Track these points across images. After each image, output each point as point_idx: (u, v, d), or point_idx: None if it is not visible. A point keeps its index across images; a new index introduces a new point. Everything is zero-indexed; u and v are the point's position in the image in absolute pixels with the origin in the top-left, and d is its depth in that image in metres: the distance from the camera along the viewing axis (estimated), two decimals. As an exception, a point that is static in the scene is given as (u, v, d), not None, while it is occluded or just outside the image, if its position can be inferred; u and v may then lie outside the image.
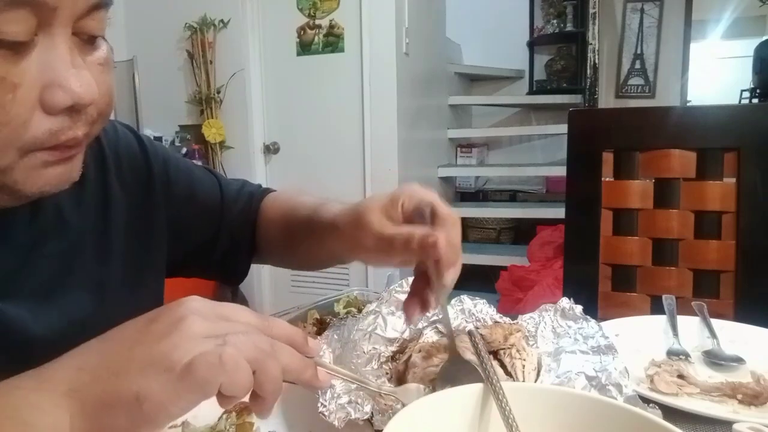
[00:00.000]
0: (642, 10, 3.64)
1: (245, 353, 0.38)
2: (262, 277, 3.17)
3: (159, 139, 3.15)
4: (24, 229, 0.54)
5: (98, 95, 0.44)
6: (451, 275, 0.53)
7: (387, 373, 0.61)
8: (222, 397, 0.38)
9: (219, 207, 0.76)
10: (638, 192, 1.16)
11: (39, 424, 0.36)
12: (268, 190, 0.82)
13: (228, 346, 0.37)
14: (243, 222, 0.77)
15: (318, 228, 0.67)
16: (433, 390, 0.51)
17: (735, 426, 0.46)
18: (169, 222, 0.70)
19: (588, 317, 0.62)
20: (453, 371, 0.52)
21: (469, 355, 0.53)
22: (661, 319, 0.82)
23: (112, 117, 0.53)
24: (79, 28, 0.43)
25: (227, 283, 0.82)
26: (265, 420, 0.57)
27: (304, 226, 0.70)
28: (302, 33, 2.98)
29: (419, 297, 0.56)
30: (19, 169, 0.43)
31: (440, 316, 0.59)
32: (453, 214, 0.54)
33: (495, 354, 0.57)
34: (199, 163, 3.13)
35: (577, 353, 0.57)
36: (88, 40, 0.44)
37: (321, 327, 0.76)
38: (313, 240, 0.68)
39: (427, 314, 0.64)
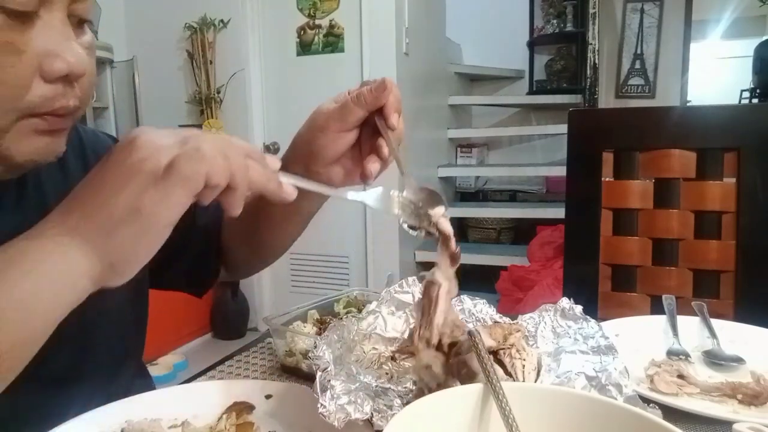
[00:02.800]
0: (642, 10, 3.64)
1: (213, 147, 0.41)
2: (262, 277, 3.17)
3: (159, 139, 3.15)
4: (10, 213, 0.57)
5: (86, 72, 0.49)
6: (396, 119, 0.58)
7: (387, 373, 0.61)
8: (206, 190, 0.41)
9: (191, 209, 0.77)
10: (638, 192, 1.16)
11: (53, 259, 0.40)
12: None
13: (197, 142, 0.41)
14: (213, 225, 0.78)
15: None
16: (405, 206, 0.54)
17: (735, 426, 0.46)
18: None
19: (588, 317, 0.62)
20: (412, 207, 0.55)
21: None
22: (661, 319, 0.82)
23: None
24: (72, 10, 0.48)
25: (193, 294, 0.81)
26: (265, 420, 0.57)
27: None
28: (302, 33, 2.98)
29: (373, 153, 0.60)
30: (12, 132, 0.47)
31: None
32: (392, 79, 0.60)
33: (495, 354, 0.57)
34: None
35: (577, 353, 0.57)
36: (77, 24, 0.50)
37: (321, 327, 0.76)
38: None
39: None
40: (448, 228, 0.53)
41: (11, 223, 0.56)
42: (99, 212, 0.40)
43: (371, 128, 0.60)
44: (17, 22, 0.44)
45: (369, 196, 0.53)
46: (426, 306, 0.52)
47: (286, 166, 0.67)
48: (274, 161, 0.47)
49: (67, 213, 0.42)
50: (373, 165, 0.59)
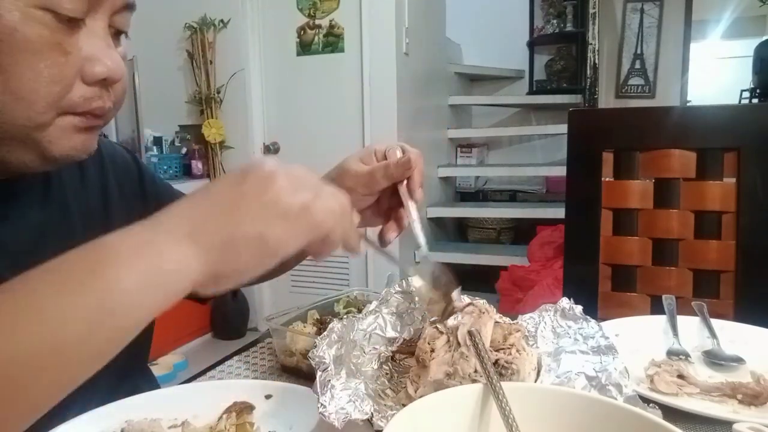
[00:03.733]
0: (642, 10, 3.64)
1: (341, 205, 0.47)
2: (262, 277, 3.17)
3: (159, 139, 3.15)
4: (37, 208, 0.61)
5: (121, 79, 0.53)
6: (420, 194, 0.65)
7: (387, 373, 0.62)
8: (320, 244, 0.46)
9: None
10: (638, 192, 1.16)
11: (166, 257, 0.41)
12: None
13: (330, 196, 0.46)
14: None
15: None
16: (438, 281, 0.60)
17: (735, 426, 0.46)
18: None
19: (588, 317, 0.62)
20: (425, 270, 0.61)
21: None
22: (661, 319, 0.82)
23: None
24: (112, 21, 0.53)
25: (197, 301, 0.82)
26: (265, 420, 0.57)
27: None
28: (302, 33, 2.98)
29: (394, 220, 0.68)
30: (54, 126, 0.50)
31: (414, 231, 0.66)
32: (418, 152, 0.66)
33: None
34: (199, 163, 3.14)
35: (577, 353, 0.57)
36: (115, 35, 0.54)
37: (321, 327, 0.76)
38: None
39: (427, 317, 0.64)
40: (462, 305, 0.59)
41: (35, 218, 0.61)
42: (225, 228, 0.43)
43: (390, 190, 0.66)
44: (66, 27, 0.48)
45: (419, 270, 0.61)
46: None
47: None
48: (356, 218, 0.53)
49: (185, 219, 0.43)
50: (391, 234, 0.67)
